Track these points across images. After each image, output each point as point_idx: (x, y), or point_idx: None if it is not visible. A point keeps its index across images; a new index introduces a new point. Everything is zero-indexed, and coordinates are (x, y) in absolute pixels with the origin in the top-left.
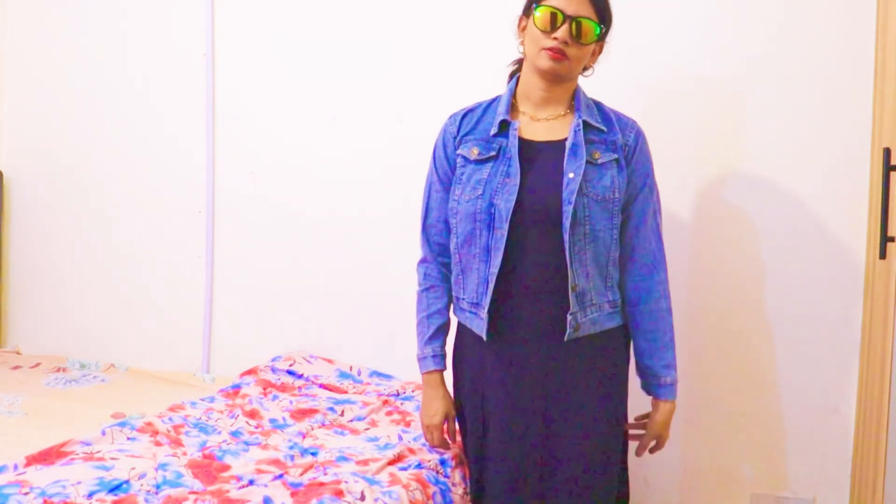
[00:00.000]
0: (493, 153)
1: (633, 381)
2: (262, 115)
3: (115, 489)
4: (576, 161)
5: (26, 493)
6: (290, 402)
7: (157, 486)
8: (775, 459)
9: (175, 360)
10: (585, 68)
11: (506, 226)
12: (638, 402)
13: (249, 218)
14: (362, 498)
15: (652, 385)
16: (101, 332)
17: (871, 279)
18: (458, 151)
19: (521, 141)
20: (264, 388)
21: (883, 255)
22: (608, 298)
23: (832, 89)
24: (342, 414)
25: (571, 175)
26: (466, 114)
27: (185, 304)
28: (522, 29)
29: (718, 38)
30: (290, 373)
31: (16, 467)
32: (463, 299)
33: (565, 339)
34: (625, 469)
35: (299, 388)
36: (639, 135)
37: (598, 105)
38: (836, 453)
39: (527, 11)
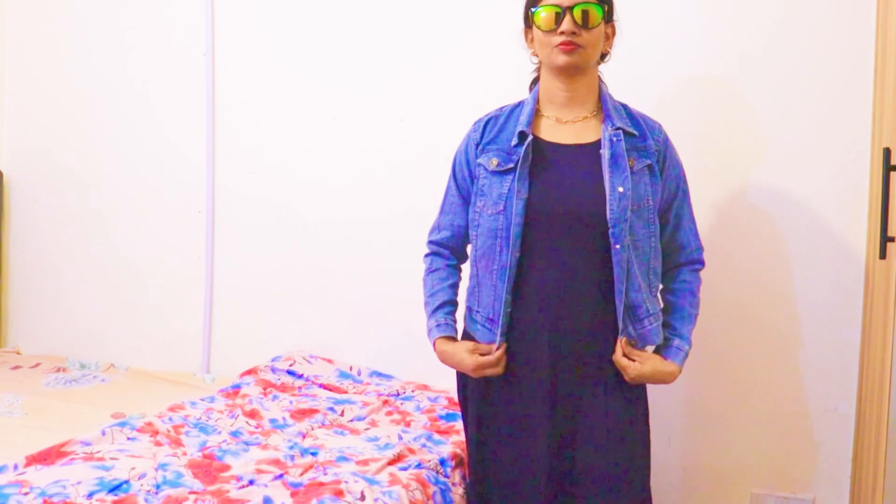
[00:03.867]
0: (512, 165)
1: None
2: (262, 115)
3: (115, 489)
4: (620, 173)
5: (26, 493)
6: (290, 402)
7: (157, 486)
8: (775, 459)
9: (175, 360)
10: (603, 55)
11: (518, 242)
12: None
13: (249, 218)
14: (362, 498)
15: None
16: (101, 332)
17: (871, 279)
18: (479, 161)
19: (547, 144)
20: (264, 388)
21: (883, 255)
22: (658, 308)
23: (832, 89)
24: (342, 414)
25: (621, 189)
26: (489, 120)
27: (185, 303)
28: (531, 41)
29: (717, 38)
30: (290, 373)
31: (16, 467)
32: (477, 311)
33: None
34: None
35: (299, 388)
36: (666, 139)
37: (625, 107)
38: (836, 453)
39: (527, 21)
